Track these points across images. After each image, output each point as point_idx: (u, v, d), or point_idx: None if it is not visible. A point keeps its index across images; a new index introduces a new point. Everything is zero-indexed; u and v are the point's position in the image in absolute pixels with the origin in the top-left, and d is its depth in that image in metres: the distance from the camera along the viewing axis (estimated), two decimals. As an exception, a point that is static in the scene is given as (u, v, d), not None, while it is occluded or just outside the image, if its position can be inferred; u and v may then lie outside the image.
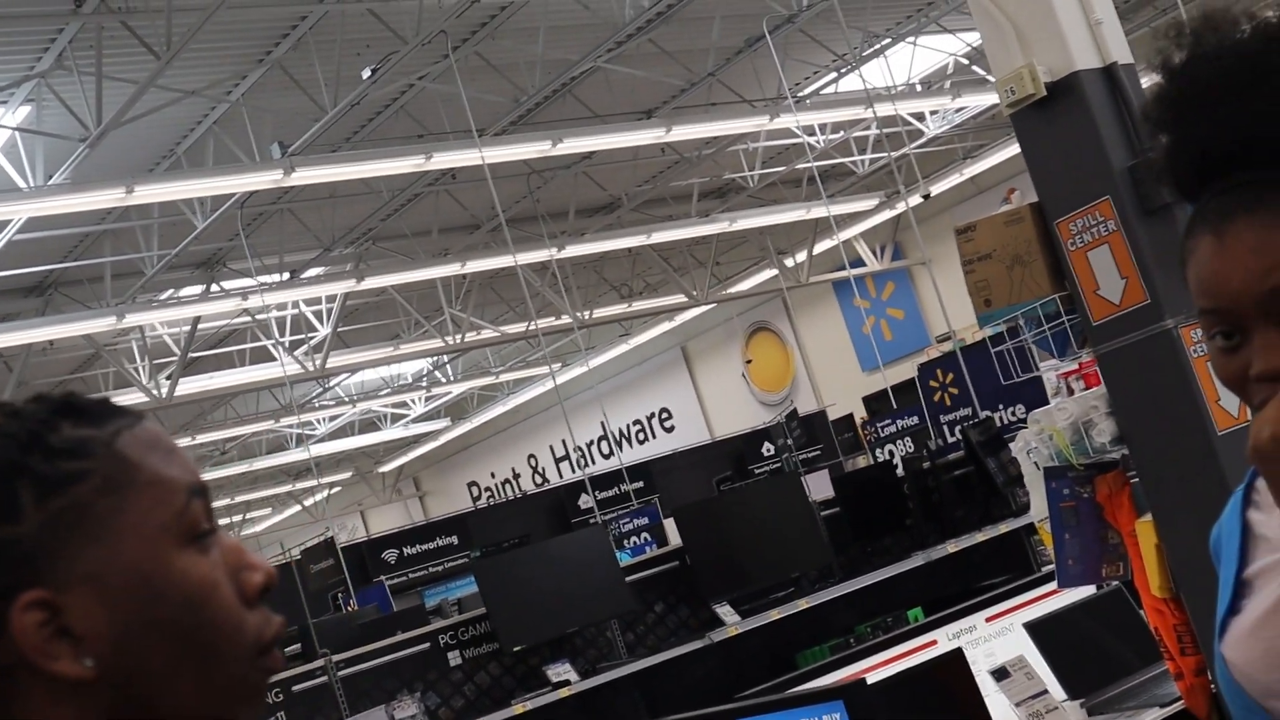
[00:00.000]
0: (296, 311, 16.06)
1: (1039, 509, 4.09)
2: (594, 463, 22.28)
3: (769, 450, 14.88)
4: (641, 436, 23.20)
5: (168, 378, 15.13)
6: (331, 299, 15.69)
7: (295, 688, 6.17)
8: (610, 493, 15.19)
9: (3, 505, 0.95)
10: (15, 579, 0.94)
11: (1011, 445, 4.50)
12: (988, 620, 4.55)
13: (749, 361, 21.50)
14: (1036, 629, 4.35)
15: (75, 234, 12.95)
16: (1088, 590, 4.55)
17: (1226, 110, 1.46)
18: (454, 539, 14.86)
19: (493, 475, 25.72)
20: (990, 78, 13.73)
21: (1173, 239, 3.79)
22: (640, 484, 15.13)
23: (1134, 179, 3.79)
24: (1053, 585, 4.34)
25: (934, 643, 4.42)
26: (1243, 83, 1.46)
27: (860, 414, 16.44)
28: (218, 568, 1.00)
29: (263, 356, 16.87)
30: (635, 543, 12.90)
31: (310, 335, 16.29)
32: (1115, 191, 3.80)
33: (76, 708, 0.96)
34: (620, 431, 23.07)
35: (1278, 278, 1.43)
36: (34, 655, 0.94)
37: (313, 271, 15.21)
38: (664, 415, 22.99)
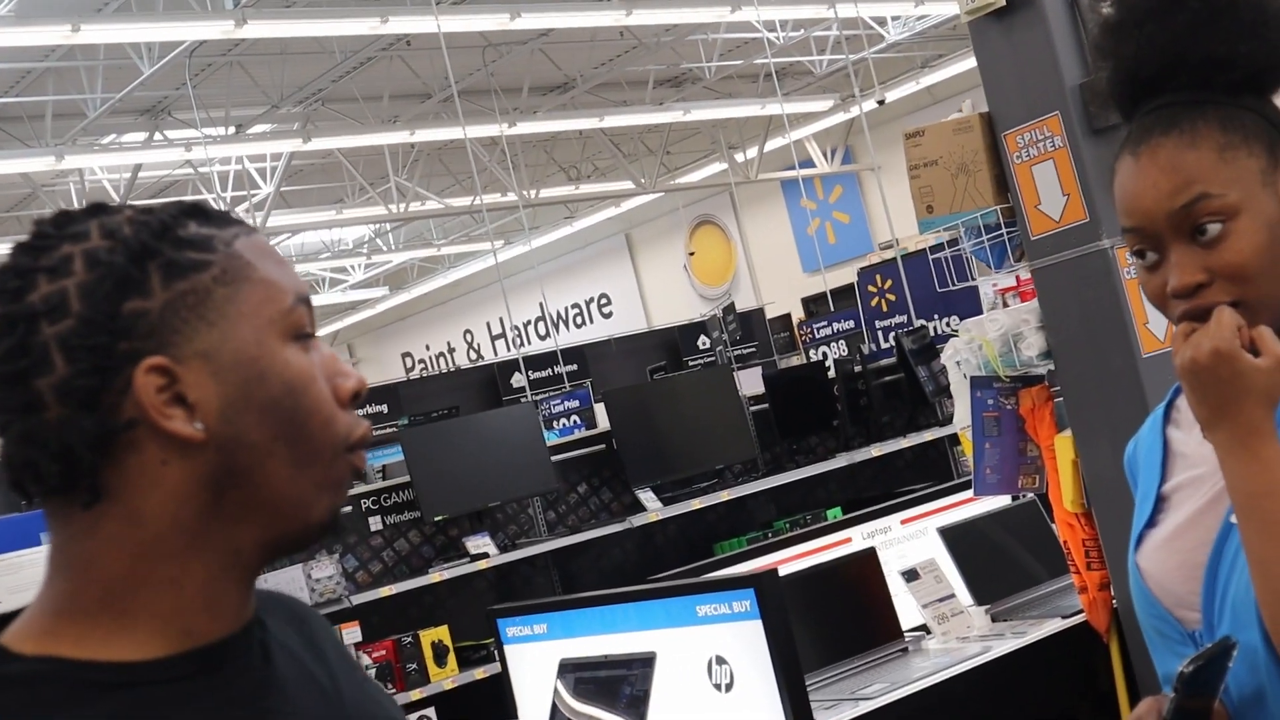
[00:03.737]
0: (240, 168, 15.84)
1: (962, 417, 4.14)
2: (530, 343, 22.26)
3: (705, 343, 14.91)
4: (579, 320, 23.20)
5: (104, 224, 14.91)
6: (276, 157, 15.48)
7: (214, 541, 6.19)
8: (544, 373, 15.19)
9: (136, 281, 1.06)
10: (141, 346, 1.05)
11: (941, 352, 4.54)
12: (903, 523, 4.64)
13: (692, 254, 21.49)
14: (949, 534, 4.43)
15: (17, 69, 12.67)
16: (1003, 500, 4.63)
17: (1149, 31, 1.51)
18: (384, 408, 14.83)
19: (427, 348, 25.67)
20: (955, -13, 13.70)
21: (1117, 160, 3.82)
22: (574, 367, 15.15)
23: (1084, 97, 3.79)
24: (970, 493, 4.42)
25: (849, 540, 4.49)
26: (1164, 6, 1.50)
27: (798, 314, 16.52)
28: (316, 366, 1.12)
29: (203, 210, 16.65)
30: (565, 424, 12.94)
31: (253, 193, 16.09)
32: (1065, 108, 3.80)
33: (183, 468, 1.06)
34: (558, 314, 23.05)
35: (1186, 197, 1.47)
36: (153, 413, 1.04)
37: (259, 128, 14.98)
38: (603, 301, 22.98)
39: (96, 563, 1.06)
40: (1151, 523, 1.64)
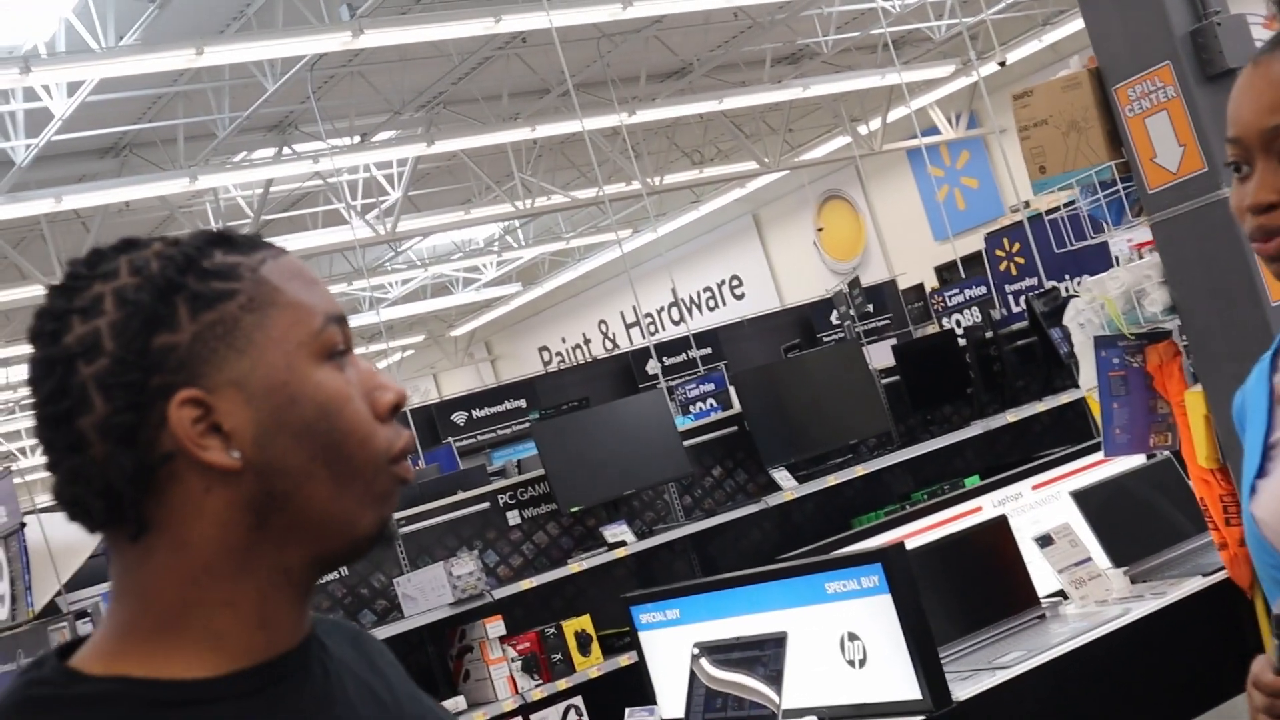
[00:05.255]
0: (368, 175, 16.11)
1: (1088, 378, 4.07)
2: (664, 329, 22.34)
3: (838, 319, 14.83)
4: (712, 303, 23.20)
5: (241, 240, 15.26)
6: (402, 163, 15.72)
7: (357, 543, 6.30)
8: (679, 358, 15.26)
9: (164, 316, 1.08)
10: (173, 379, 1.07)
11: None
12: (1034, 488, 4.57)
13: (820, 229, 21.36)
14: (1083, 497, 4.36)
15: (148, 95, 13.02)
16: (1137, 459, 4.55)
17: None
18: (522, 402, 15.01)
19: (563, 340, 25.87)
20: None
21: (1231, 106, 3.72)
22: (708, 350, 15.17)
23: (1195, 44, 3.70)
24: (1101, 454, 4.34)
25: (979, 509, 4.44)
26: None
27: (932, 283, 16.34)
28: (351, 384, 1.13)
29: (335, 220, 16.98)
30: (701, 408, 12.97)
31: (381, 199, 16.36)
32: (1175, 57, 3.72)
33: (225, 495, 1.08)
34: (691, 298, 23.08)
35: (1278, 119, 1.46)
36: (188, 445, 1.07)
37: (383, 135, 15.22)
38: (734, 282, 22.94)
39: (152, 589, 1.09)
40: (1262, 472, 1.62)
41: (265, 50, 11.04)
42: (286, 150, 14.94)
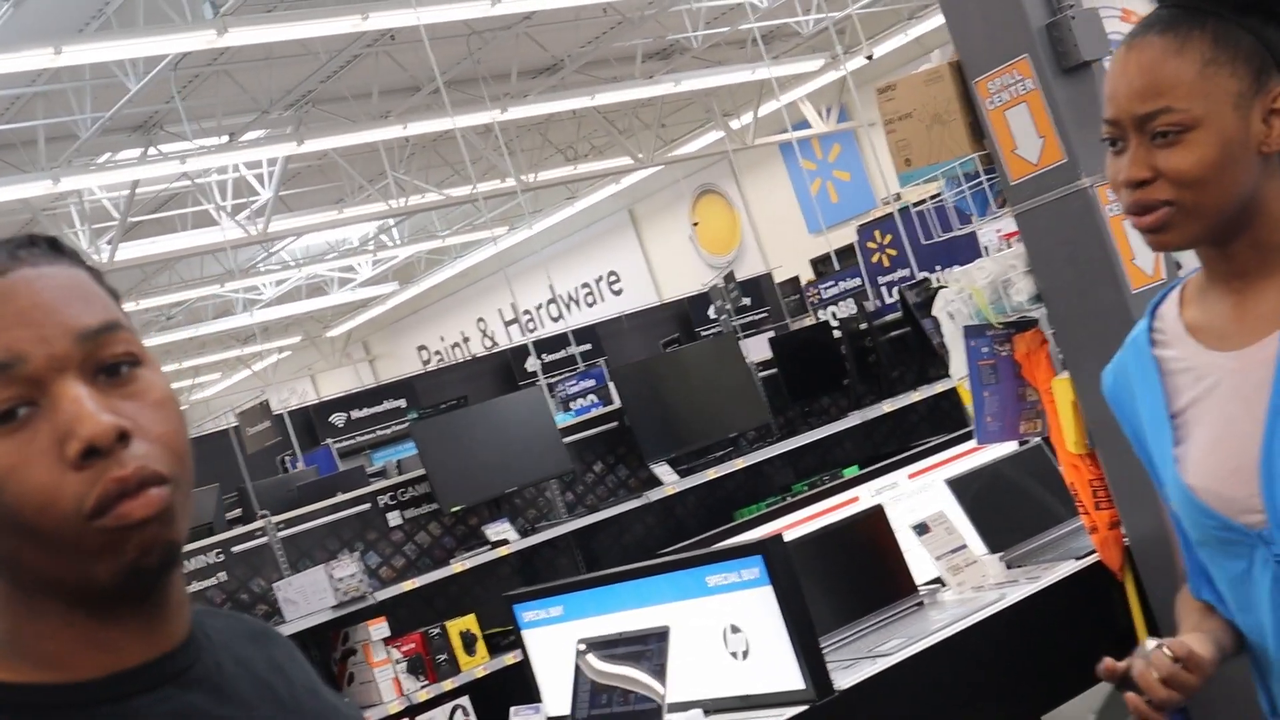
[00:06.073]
0: (238, 175, 15.87)
1: (959, 368, 4.14)
2: (543, 326, 22.30)
3: (715, 313, 14.92)
4: (590, 299, 23.20)
5: (108, 243, 14.98)
6: (272, 163, 15.50)
7: (235, 548, 6.22)
8: (558, 355, 15.25)
9: None
10: None
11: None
12: (910, 477, 4.64)
13: (696, 224, 21.46)
14: (957, 485, 4.43)
15: (6, 96, 12.71)
16: (1009, 446, 4.63)
17: None
18: (402, 402, 14.88)
19: (442, 339, 25.70)
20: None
21: (1090, 97, 3.81)
22: (588, 346, 15.18)
23: (1052, 37, 3.78)
24: (975, 442, 4.42)
25: (856, 499, 4.50)
26: None
27: (807, 276, 16.50)
28: (27, 444, 1.00)
29: (205, 221, 16.71)
30: (582, 404, 12.97)
31: (252, 199, 16.12)
32: (1033, 49, 3.79)
33: None
34: (569, 294, 23.06)
35: (1151, 106, 1.56)
36: None
37: (252, 135, 15.00)
38: (612, 278, 22.97)
39: None
40: (1177, 441, 1.68)
41: (126, 49, 10.84)
42: (152, 151, 14.66)
